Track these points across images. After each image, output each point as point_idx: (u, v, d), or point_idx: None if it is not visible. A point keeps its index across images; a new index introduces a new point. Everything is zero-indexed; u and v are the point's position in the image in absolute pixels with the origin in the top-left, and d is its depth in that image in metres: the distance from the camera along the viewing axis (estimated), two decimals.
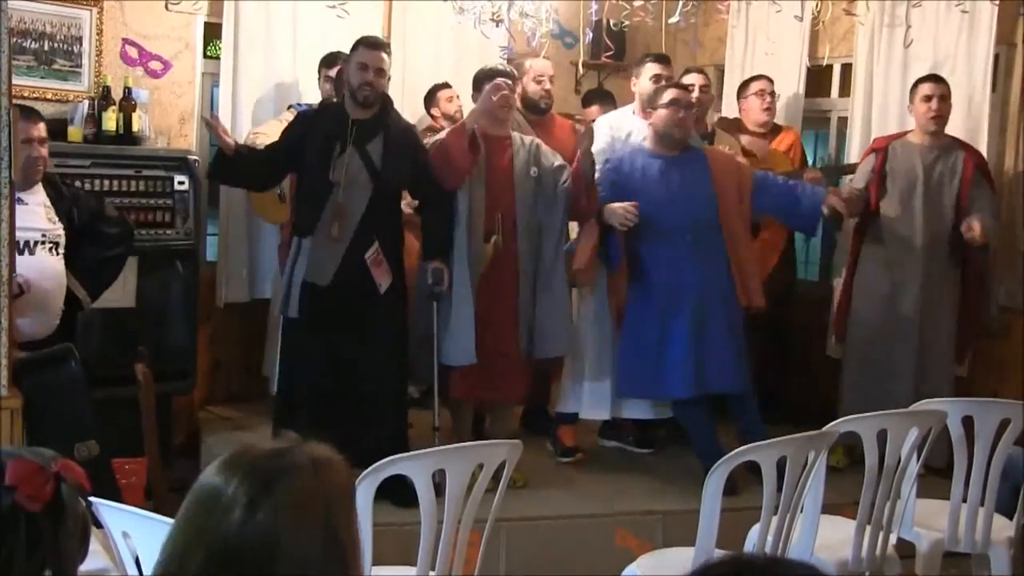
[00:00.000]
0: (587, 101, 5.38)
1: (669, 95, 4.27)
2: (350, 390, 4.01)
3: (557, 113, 4.94)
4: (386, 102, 4.08)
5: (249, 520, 1.27)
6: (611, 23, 5.30)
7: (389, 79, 4.25)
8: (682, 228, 4.22)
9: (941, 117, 4.46)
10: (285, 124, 4.45)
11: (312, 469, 1.33)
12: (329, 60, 4.76)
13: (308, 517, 1.30)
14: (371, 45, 4.01)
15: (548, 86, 4.75)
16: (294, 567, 1.27)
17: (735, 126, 5.06)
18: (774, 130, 5.10)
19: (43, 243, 3.74)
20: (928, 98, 4.46)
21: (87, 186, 4.42)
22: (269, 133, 4.56)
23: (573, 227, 4.44)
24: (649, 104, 4.46)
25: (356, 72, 3.96)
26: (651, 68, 4.59)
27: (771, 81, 5.08)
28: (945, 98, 4.46)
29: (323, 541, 1.30)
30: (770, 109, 5.01)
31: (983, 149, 4.61)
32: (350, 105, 4.01)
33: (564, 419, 4.57)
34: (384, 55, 4.00)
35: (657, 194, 4.23)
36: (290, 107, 4.89)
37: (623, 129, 4.62)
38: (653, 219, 4.18)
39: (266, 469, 1.32)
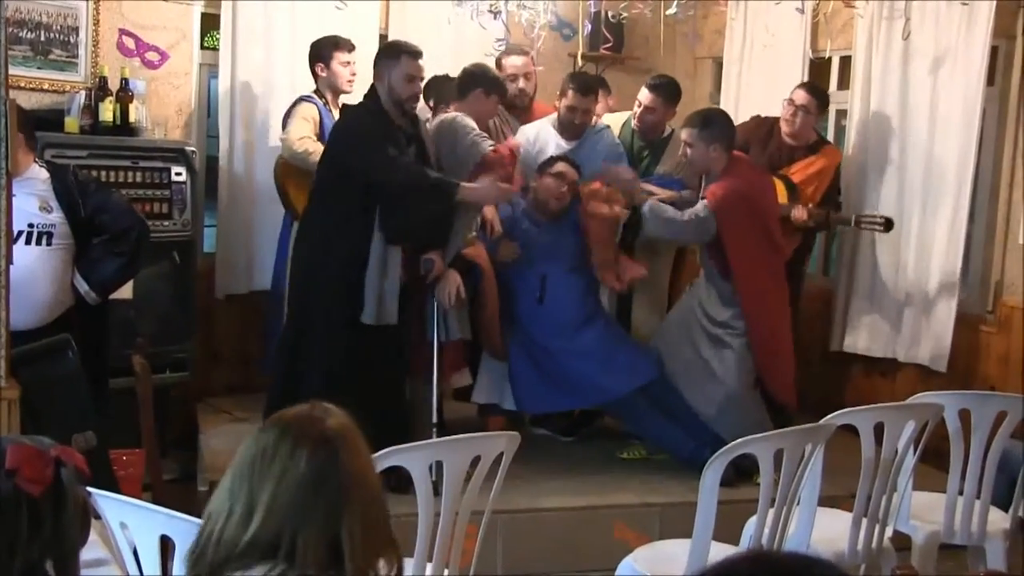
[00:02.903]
0: None
1: (559, 167, 4.40)
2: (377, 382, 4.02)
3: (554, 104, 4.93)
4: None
5: (312, 461, 1.46)
6: (609, 15, 5.29)
7: None
8: (554, 276, 4.40)
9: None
10: (308, 121, 4.48)
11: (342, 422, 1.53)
12: (331, 46, 4.68)
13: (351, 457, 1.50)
14: (414, 54, 4.00)
15: (522, 84, 4.77)
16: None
17: (765, 128, 4.88)
18: (813, 147, 4.80)
19: (30, 233, 3.64)
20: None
21: None
22: (310, 135, 4.55)
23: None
24: (560, 127, 4.60)
25: (404, 84, 3.94)
26: (571, 97, 4.53)
27: (815, 96, 4.75)
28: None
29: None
30: (790, 122, 4.73)
31: (974, 142, 4.59)
32: (393, 113, 3.99)
33: (487, 411, 4.60)
34: (422, 62, 4.02)
35: (529, 255, 4.41)
36: (303, 100, 4.71)
37: (539, 142, 4.63)
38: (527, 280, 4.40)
39: (311, 421, 1.51)
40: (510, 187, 4.15)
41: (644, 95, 4.70)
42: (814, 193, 4.73)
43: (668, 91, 4.72)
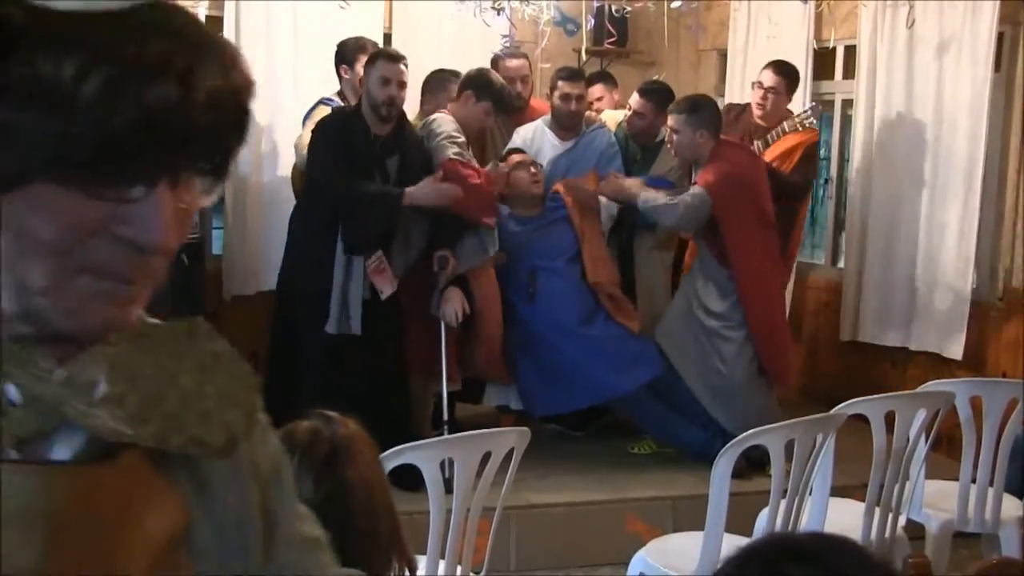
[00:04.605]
0: (590, 82, 5.36)
1: (515, 158, 4.43)
2: (370, 389, 3.99)
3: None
4: (402, 116, 4.07)
5: (322, 486, 1.42)
6: (613, 9, 5.28)
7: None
8: (549, 272, 4.39)
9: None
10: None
11: (357, 437, 1.51)
12: (356, 49, 4.56)
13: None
14: (391, 58, 3.98)
15: (519, 88, 4.73)
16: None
17: (733, 113, 4.87)
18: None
19: None
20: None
21: None
22: None
23: None
24: (556, 124, 4.60)
25: (379, 87, 3.90)
26: (561, 87, 4.54)
27: (784, 76, 4.72)
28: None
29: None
30: (761, 105, 4.70)
31: (983, 129, 4.57)
32: (370, 118, 3.96)
33: (502, 409, 4.63)
34: (403, 67, 3.96)
35: (521, 258, 4.42)
36: (322, 102, 4.59)
37: (535, 143, 4.61)
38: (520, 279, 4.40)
39: (320, 442, 1.47)
40: (454, 186, 3.97)
41: (635, 100, 4.65)
42: (780, 167, 4.63)
43: (659, 97, 4.62)
